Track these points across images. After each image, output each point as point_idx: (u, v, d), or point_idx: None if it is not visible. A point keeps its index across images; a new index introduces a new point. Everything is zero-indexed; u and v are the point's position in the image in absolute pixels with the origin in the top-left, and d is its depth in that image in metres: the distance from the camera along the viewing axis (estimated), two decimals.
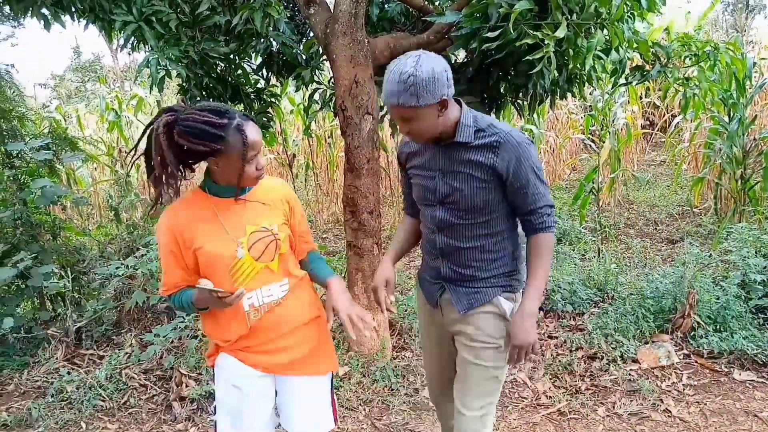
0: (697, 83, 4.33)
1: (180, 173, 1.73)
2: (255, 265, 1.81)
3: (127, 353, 3.90)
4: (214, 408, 1.93)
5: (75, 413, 3.40)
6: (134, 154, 1.82)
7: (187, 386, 3.47)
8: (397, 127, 1.90)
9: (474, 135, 1.84)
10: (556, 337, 3.90)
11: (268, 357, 1.88)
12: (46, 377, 3.84)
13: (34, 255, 4.22)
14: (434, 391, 2.31)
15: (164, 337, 3.81)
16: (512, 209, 1.92)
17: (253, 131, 1.70)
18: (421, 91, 1.70)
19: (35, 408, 3.42)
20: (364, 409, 3.28)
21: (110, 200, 6.13)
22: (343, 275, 4.56)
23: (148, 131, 1.74)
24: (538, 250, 1.88)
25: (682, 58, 4.19)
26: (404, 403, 3.34)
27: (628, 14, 3.45)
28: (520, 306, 1.88)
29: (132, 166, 1.90)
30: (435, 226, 1.97)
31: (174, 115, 1.68)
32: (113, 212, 5.44)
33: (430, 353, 2.25)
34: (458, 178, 1.87)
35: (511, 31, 2.93)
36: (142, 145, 1.80)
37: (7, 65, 4.86)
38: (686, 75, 4.34)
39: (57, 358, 3.99)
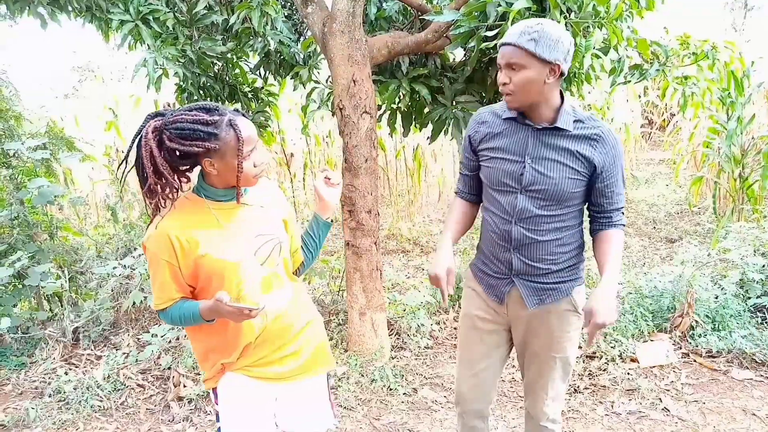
0: (696, 82, 4.33)
1: (176, 181, 1.65)
2: (260, 271, 1.76)
3: (124, 353, 3.89)
4: (218, 430, 1.86)
5: (73, 413, 3.39)
6: (125, 166, 1.72)
7: (185, 386, 3.46)
8: (498, 76, 1.79)
9: (573, 124, 1.82)
10: None
11: (278, 367, 1.83)
12: (44, 377, 3.83)
13: (31, 255, 4.21)
14: (468, 391, 2.16)
15: (162, 337, 3.80)
16: (592, 204, 1.93)
17: (246, 125, 1.63)
18: (542, 41, 1.69)
19: (33, 408, 3.41)
20: (363, 409, 3.28)
21: (107, 200, 6.13)
22: (341, 275, 4.54)
23: (137, 140, 1.65)
24: (616, 241, 1.89)
25: (681, 57, 4.19)
26: (403, 402, 3.34)
27: (627, 13, 3.44)
28: (602, 287, 1.79)
29: (124, 180, 1.80)
30: (513, 215, 1.89)
31: (161, 119, 1.61)
32: (110, 212, 5.42)
33: (474, 349, 2.13)
34: (549, 165, 1.82)
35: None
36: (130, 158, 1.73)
37: (3, 65, 4.85)
38: (684, 74, 4.34)
39: (54, 359, 3.98)
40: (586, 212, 2.01)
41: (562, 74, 1.77)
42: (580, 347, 2.02)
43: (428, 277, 2.06)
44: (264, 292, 1.77)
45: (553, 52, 1.71)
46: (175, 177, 1.66)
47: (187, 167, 1.72)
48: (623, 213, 1.93)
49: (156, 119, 1.62)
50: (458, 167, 2.23)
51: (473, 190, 2.11)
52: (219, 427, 1.86)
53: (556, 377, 2.03)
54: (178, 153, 1.63)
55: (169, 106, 1.76)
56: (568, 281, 1.95)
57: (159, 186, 1.63)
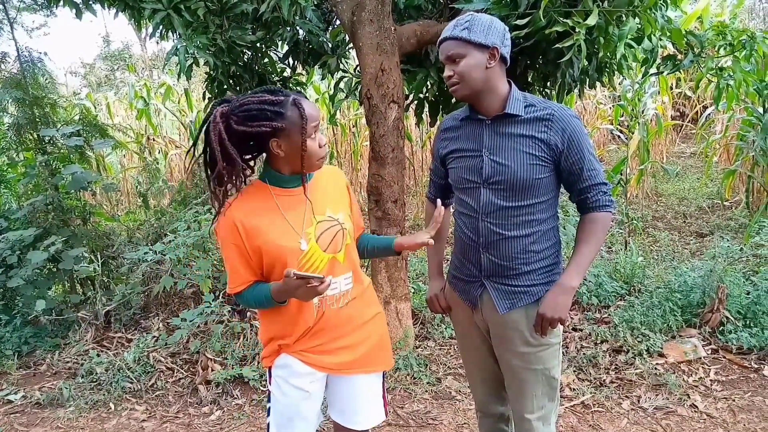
0: (732, 73, 4.21)
1: (244, 167, 1.67)
2: (322, 257, 1.75)
3: (154, 337, 3.98)
4: (269, 410, 1.90)
5: (104, 394, 3.49)
6: (193, 154, 1.74)
7: (212, 370, 3.53)
8: (443, 74, 1.80)
9: (524, 109, 1.80)
10: (581, 330, 3.86)
11: (331, 357, 1.83)
12: (77, 359, 3.95)
13: (65, 239, 4.32)
14: (482, 397, 2.14)
15: (190, 321, 3.87)
16: (567, 188, 1.86)
17: (309, 105, 1.65)
18: (474, 27, 1.73)
19: (66, 388, 3.51)
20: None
21: (139, 186, 6.24)
22: (366, 264, 4.57)
23: (204, 127, 1.67)
24: (588, 227, 1.82)
25: (717, 47, 4.08)
26: (426, 391, 3.35)
27: (661, 1, 3.37)
28: (558, 281, 1.82)
29: (190, 167, 1.83)
30: (478, 211, 1.85)
31: (227, 105, 1.64)
32: (141, 198, 5.52)
33: (473, 358, 2.09)
34: (506, 154, 1.79)
35: (541, 18, 2.89)
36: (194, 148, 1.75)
37: (40, 53, 4.95)
38: (720, 65, 4.22)
39: (87, 341, 4.10)
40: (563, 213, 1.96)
41: (503, 60, 1.79)
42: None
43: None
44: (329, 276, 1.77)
45: (488, 37, 1.73)
46: (243, 164, 1.68)
47: (252, 155, 1.75)
48: (604, 191, 1.82)
49: (223, 105, 1.65)
50: None
51: (442, 194, 2.13)
52: (269, 408, 1.90)
53: (538, 393, 1.91)
54: (245, 136, 1.65)
55: (233, 95, 1.77)
56: (540, 284, 1.85)
57: (227, 172, 1.64)
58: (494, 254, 1.85)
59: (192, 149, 1.76)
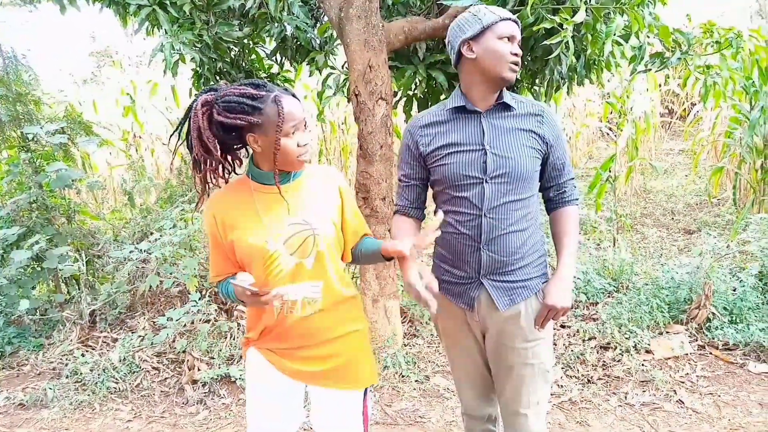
0: (719, 71, 4.23)
1: (223, 155, 1.66)
2: (288, 260, 1.70)
3: (140, 336, 3.94)
4: (246, 401, 1.92)
5: (89, 394, 3.45)
6: (178, 139, 1.73)
7: (199, 370, 3.50)
8: (506, 48, 1.78)
9: (515, 103, 1.86)
10: (569, 327, 3.87)
11: (295, 363, 1.79)
12: (61, 359, 3.90)
13: (49, 238, 4.27)
14: (471, 400, 2.10)
15: (177, 320, 3.84)
16: (546, 182, 1.94)
17: (291, 103, 1.62)
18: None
19: (51, 389, 3.47)
20: (374, 395, 3.29)
21: (124, 184, 6.18)
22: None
23: (189, 113, 1.67)
24: (568, 219, 1.92)
25: (704, 45, 4.10)
26: (414, 389, 3.34)
27: None
28: (558, 271, 1.85)
29: (175, 153, 1.83)
30: (482, 208, 1.81)
31: (213, 93, 1.64)
32: (127, 196, 5.46)
33: (464, 362, 2.05)
34: (509, 147, 1.81)
35: (529, 15, 2.88)
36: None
37: (22, 51, 4.88)
38: (707, 63, 4.24)
39: (71, 340, 4.05)
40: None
41: None
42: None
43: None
44: (292, 281, 1.71)
45: None
46: (223, 153, 1.68)
47: (237, 146, 1.74)
48: (575, 185, 1.94)
49: (208, 93, 1.65)
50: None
51: (419, 203, 2.01)
52: (246, 399, 1.92)
53: (534, 387, 1.90)
54: (225, 127, 1.64)
55: (225, 84, 1.76)
56: (535, 278, 1.88)
57: (204, 159, 1.65)
58: (495, 251, 1.83)
59: (175, 133, 1.75)
